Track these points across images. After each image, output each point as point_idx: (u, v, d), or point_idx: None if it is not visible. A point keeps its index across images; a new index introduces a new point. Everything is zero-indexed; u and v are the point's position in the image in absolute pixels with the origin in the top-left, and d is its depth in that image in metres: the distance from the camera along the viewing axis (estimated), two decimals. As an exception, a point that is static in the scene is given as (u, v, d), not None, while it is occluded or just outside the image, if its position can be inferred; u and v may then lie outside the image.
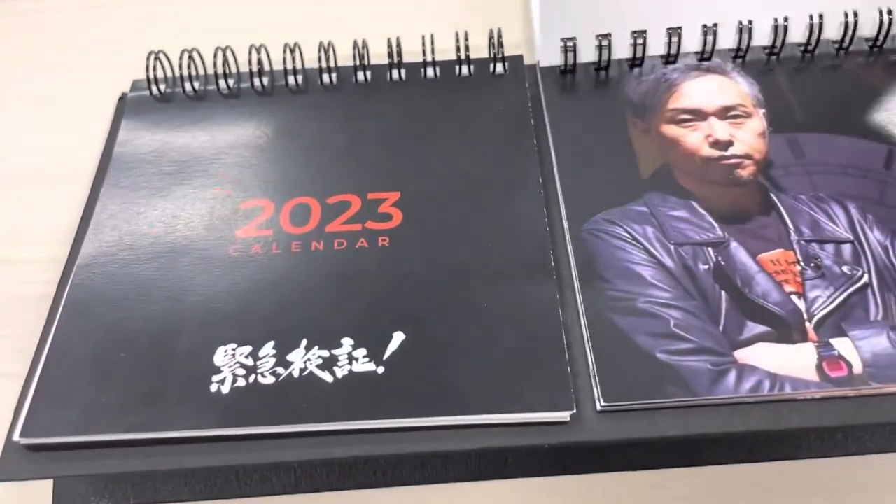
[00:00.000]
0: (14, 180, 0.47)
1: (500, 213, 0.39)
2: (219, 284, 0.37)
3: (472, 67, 0.46)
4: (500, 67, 0.46)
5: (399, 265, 0.37)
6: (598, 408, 0.33)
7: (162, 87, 0.47)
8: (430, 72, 0.46)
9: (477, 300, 0.36)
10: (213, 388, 0.33)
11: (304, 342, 0.35)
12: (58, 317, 0.36)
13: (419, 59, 0.46)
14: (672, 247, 0.38)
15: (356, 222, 0.39)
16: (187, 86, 0.47)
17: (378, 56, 0.46)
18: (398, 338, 0.35)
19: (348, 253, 0.38)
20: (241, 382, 0.34)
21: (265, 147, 0.43)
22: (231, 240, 0.39)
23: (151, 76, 0.46)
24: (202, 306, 0.36)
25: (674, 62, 0.47)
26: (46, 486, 0.36)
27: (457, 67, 0.46)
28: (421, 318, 0.35)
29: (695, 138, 0.42)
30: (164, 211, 0.40)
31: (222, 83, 0.47)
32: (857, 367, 0.33)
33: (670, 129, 0.43)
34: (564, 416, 0.33)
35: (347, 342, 0.35)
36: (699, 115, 0.43)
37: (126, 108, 0.46)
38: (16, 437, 0.33)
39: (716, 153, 0.42)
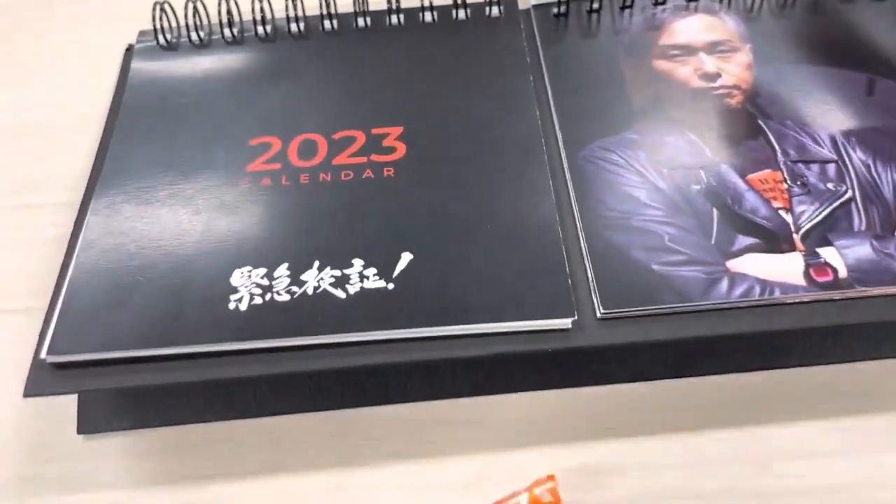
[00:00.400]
0: (28, 130, 0.49)
1: (500, 144, 0.41)
2: (232, 214, 0.39)
3: (468, 11, 0.48)
4: (495, 10, 0.48)
5: (404, 193, 0.39)
6: (598, 315, 0.35)
7: (168, 36, 0.48)
8: (427, 16, 0.48)
9: (480, 222, 0.38)
10: (231, 305, 0.35)
11: (317, 263, 0.36)
12: (78, 246, 0.38)
13: (417, 4, 0.48)
14: (665, 170, 0.39)
15: (362, 155, 0.41)
16: (192, 35, 0.48)
17: (377, 3, 0.48)
18: (406, 257, 0.36)
19: (355, 183, 0.40)
20: (258, 300, 0.35)
21: (270, 89, 0.45)
22: (241, 174, 0.40)
23: (158, 26, 0.48)
24: (217, 234, 0.38)
25: (663, 3, 0.48)
26: (71, 411, 0.38)
27: (454, 12, 0.48)
28: (427, 240, 0.37)
29: (685, 72, 0.44)
30: (174, 151, 0.42)
31: (227, 31, 0.48)
32: (843, 273, 0.35)
33: (661, 64, 0.45)
34: (566, 322, 0.34)
35: (358, 262, 0.36)
36: (688, 50, 0.45)
37: (133, 57, 0.48)
38: (43, 354, 0.34)
39: (705, 84, 0.43)
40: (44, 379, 0.34)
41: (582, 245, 0.37)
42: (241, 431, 0.37)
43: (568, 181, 0.40)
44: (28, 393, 0.34)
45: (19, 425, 0.38)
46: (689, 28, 0.47)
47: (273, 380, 0.37)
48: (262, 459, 0.36)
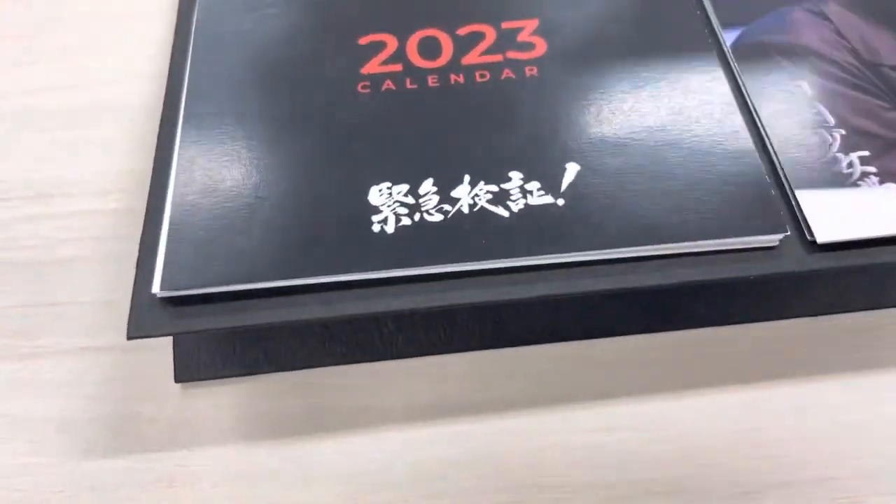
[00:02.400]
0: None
1: (655, 31, 0.35)
2: (352, 122, 0.33)
3: None
4: None
5: (555, 94, 0.33)
6: (811, 238, 0.29)
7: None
8: None
9: (648, 124, 0.32)
10: (376, 227, 0.29)
11: (468, 178, 0.31)
12: (174, 164, 0.32)
13: None
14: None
15: (496, 53, 0.35)
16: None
17: None
18: (573, 168, 0.31)
19: (493, 85, 0.34)
20: (406, 221, 0.30)
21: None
22: (357, 76, 0.34)
23: None
24: (340, 144, 0.32)
25: None
26: (166, 357, 0.33)
27: None
28: (593, 148, 0.31)
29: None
30: (272, 49, 0.35)
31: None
32: None
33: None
34: (773, 240, 0.29)
35: (516, 175, 0.31)
36: None
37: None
38: (154, 289, 0.28)
39: None
40: (154, 317, 0.28)
41: (771, 150, 0.32)
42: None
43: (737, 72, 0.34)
44: (134, 333, 0.28)
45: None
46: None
47: (405, 316, 0.32)
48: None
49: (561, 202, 0.30)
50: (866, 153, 0.31)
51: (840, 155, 0.31)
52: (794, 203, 0.30)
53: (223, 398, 0.32)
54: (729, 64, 0.34)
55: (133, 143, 0.39)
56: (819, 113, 0.32)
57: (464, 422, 0.31)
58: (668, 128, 0.32)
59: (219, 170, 0.31)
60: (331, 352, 0.33)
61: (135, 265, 0.30)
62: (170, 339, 0.33)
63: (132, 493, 0.30)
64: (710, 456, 0.30)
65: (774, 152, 0.31)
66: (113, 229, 0.37)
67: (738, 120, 0.32)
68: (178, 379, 0.33)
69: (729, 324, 0.33)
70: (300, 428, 0.31)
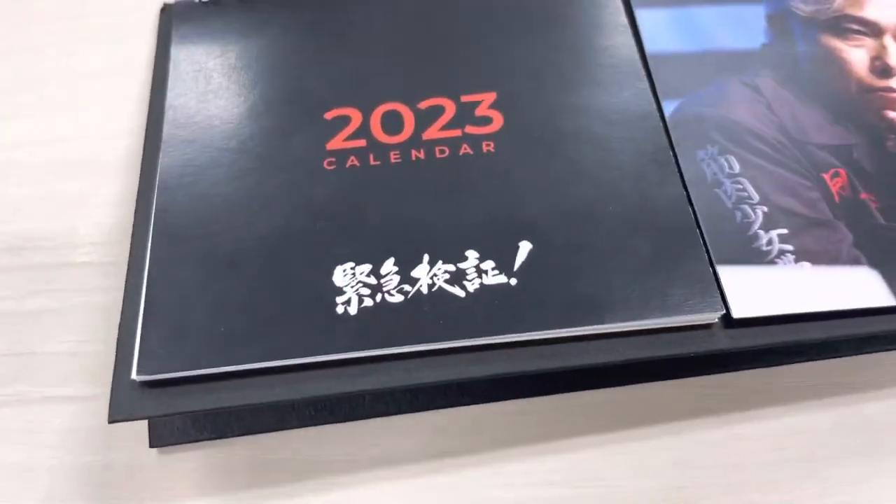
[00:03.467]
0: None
1: (608, 110, 0.37)
2: (318, 200, 0.34)
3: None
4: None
5: (510, 171, 0.35)
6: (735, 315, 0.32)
7: (209, -12, 0.43)
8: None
9: (601, 203, 0.34)
10: (340, 309, 0.31)
11: (427, 257, 0.33)
12: (150, 242, 0.33)
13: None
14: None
15: (455, 127, 0.37)
16: (237, -14, 0.42)
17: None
18: (525, 247, 0.33)
19: (453, 160, 0.36)
20: (369, 302, 0.31)
21: (337, 50, 0.40)
22: (323, 152, 0.36)
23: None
24: (306, 224, 0.34)
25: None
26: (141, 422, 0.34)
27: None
28: (545, 226, 0.33)
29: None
30: (242, 125, 0.37)
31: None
32: None
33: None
34: (712, 317, 0.31)
35: (472, 255, 0.33)
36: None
37: (174, 16, 0.42)
38: (133, 375, 0.30)
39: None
40: (133, 400, 0.30)
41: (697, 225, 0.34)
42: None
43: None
44: (115, 417, 0.30)
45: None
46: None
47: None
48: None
49: (514, 281, 0.32)
50: (785, 231, 0.33)
51: (760, 232, 0.33)
52: (715, 278, 0.32)
53: (189, 453, 0.34)
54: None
55: (105, 198, 0.41)
56: (744, 189, 0.34)
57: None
58: (615, 206, 0.34)
59: (191, 251, 0.33)
60: (300, 415, 0.35)
61: (115, 348, 0.32)
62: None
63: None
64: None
65: (699, 227, 0.33)
66: (82, 281, 0.38)
67: (686, 206, 0.34)
68: (152, 444, 0.34)
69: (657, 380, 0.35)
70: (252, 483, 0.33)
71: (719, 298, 0.31)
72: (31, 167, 0.42)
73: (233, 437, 0.34)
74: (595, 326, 0.31)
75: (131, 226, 0.35)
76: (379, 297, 0.32)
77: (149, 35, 0.45)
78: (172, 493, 0.33)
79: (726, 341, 0.31)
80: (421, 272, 0.32)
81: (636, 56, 0.39)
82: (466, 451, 0.34)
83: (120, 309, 0.33)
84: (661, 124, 0.36)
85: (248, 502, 0.33)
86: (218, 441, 0.34)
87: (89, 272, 0.38)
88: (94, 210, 0.40)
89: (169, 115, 0.37)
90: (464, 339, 0.31)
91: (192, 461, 0.34)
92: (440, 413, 0.34)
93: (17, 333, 0.37)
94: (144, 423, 0.34)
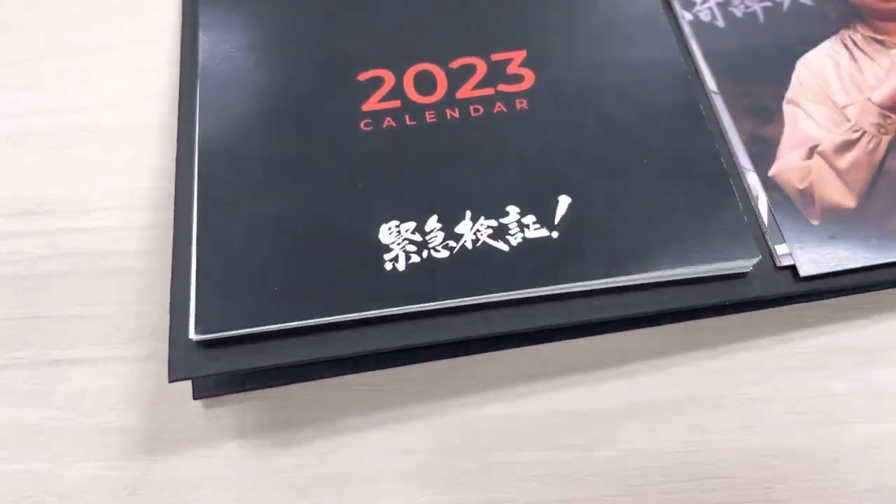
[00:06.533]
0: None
1: (637, 62, 0.38)
2: (358, 161, 0.35)
3: None
4: None
5: (544, 128, 0.36)
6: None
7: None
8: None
9: (634, 155, 0.35)
10: (388, 266, 0.32)
11: (469, 213, 0.33)
12: (195, 207, 0.34)
13: None
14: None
15: (487, 86, 0.37)
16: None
17: None
18: (564, 201, 0.34)
19: (487, 119, 0.36)
20: (415, 258, 0.32)
21: (367, 11, 0.40)
22: (358, 114, 0.37)
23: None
24: (348, 185, 0.34)
25: None
26: (137, 369, 0.35)
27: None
28: (582, 180, 0.34)
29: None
30: (277, 88, 0.37)
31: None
32: None
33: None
34: (748, 265, 0.33)
35: (513, 210, 0.34)
36: None
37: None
38: (190, 334, 0.31)
39: None
40: (192, 359, 0.31)
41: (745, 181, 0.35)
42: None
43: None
44: (176, 376, 0.31)
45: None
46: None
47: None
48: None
49: (555, 235, 0.33)
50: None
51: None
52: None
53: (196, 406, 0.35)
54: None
55: (117, 165, 0.41)
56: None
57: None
58: (650, 158, 0.35)
59: (238, 214, 0.34)
60: (342, 363, 0.35)
61: (168, 310, 0.32)
62: (156, 349, 0.35)
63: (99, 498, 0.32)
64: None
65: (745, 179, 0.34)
66: (94, 246, 0.38)
67: (717, 156, 0.35)
68: (196, 395, 0.35)
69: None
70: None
71: (755, 245, 0.32)
72: (46, 135, 0.42)
73: (278, 385, 0.35)
74: (636, 276, 0.32)
75: (145, 189, 0.37)
76: (425, 253, 0.33)
77: (171, 6, 0.45)
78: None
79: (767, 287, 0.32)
80: (464, 228, 0.33)
81: (664, 10, 0.39)
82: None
83: (131, 273, 0.35)
84: (690, 78, 0.37)
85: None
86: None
87: (100, 237, 0.38)
88: (107, 177, 0.40)
89: (203, 80, 0.37)
90: (510, 291, 0.32)
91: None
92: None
93: (30, 297, 0.37)
94: (158, 384, 0.35)
